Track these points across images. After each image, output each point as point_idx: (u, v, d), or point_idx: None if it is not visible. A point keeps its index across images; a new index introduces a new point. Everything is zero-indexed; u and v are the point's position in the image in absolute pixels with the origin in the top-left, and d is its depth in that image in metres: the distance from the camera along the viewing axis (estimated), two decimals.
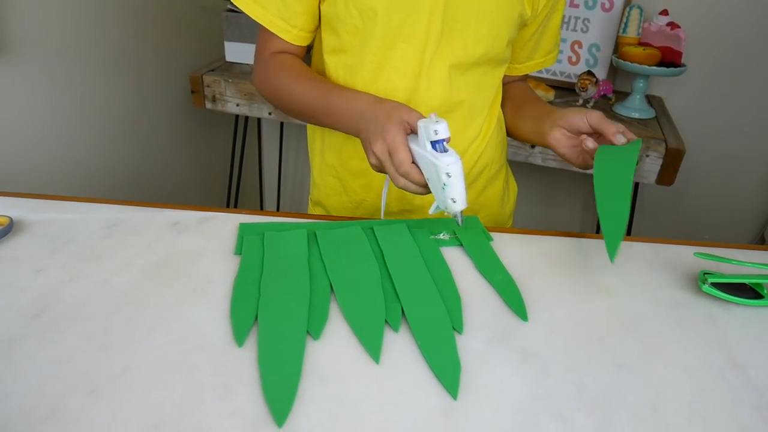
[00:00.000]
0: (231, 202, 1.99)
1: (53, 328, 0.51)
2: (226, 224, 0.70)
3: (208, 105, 1.61)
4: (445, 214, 0.63)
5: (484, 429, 0.43)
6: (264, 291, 0.57)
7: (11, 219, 0.66)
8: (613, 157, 0.66)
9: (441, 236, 0.69)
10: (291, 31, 0.76)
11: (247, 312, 0.54)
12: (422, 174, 0.61)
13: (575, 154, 0.73)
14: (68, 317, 0.53)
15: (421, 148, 0.60)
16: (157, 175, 1.70)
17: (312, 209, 0.95)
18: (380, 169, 0.65)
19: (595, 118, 0.70)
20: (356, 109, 0.69)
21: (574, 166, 0.73)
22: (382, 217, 0.78)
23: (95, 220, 0.69)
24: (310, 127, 0.90)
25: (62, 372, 0.46)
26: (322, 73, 0.81)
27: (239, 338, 0.51)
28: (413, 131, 0.62)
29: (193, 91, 1.60)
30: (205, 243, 0.66)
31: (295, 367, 0.48)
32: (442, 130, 0.58)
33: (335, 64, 0.78)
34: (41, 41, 1.22)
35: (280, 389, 0.46)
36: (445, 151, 0.59)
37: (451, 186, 0.59)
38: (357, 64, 0.75)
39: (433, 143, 0.59)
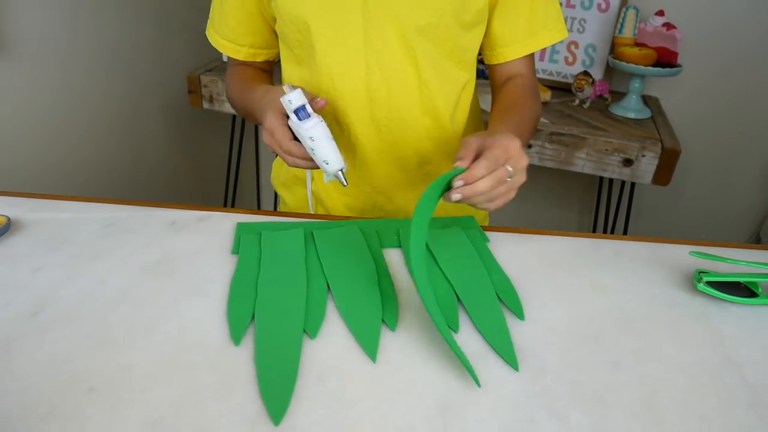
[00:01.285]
0: (228, 201, 1.99)
1: (51, 327, 0.51)
2: (223, 223, 0.70)
3: (206, 105, 1.61)
4: (327, 179, 0.66)
5: (480, 427, 0.43)
6: (261, 290, 0.57)
7: (9, 218, 0.66)
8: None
9: None
10: (241, 50, 0.82)
11: (244, 311, 0.54)
12: (303, 147, 0.64)
13: None
14: (66, 316, 0.53)
15: (292, 123, 0.62)
16: (154, 175, 1.70)
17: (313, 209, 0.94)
18: (273, 152, 0.68)
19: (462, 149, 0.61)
20: (255, 104, 0.73)
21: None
22: (311, 208, 0.81)
23: (93, 220, 0.69)
24: None
25: (60, 370, 0.47)
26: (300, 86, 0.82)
27: (236, 337, 0.51)
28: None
29: (190, 91, 1.60)
30: (202, 242, 0.66)
31: (292, 365, 0.48)
32: (295, 98, 0.61)
33: (295, 78, 0.79)
34: (39, 41, 1.22)
35: (276, 388, 0.46)
36: (308, 116, 0.61)
37: (318, 149, 0.62)
38: (308, 76, 0.76)
39: (296, 113, 0.61)
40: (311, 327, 0.53)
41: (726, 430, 0.45)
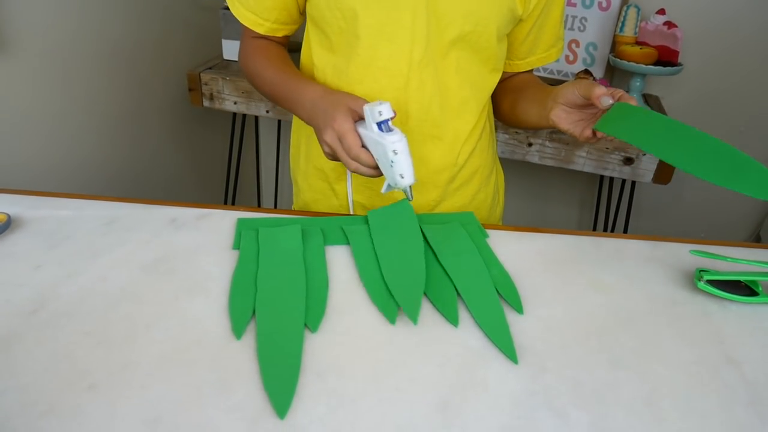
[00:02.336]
0: (228, 199, 1.99)
1: (51, 325, 0.51)
2: (223, 221, 0.70)
3: (206, 103, 1.61)
4: (396, 192, 0.66)
5: (480, 425, 0.44)
6: (261, 286, 0.57)
7: (9, 216, 0.66)
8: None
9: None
10: (264, 24, 0.80)
11: (245, 306, 0.55)
12: (372, 156, 0.64)
13: (579, 129, 0.72)
14: (66, 313, 0.53)
15: (369, 131, 0.63)
16: (154, 172, 1.70)
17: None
18: (333, 156, 0.68)
19: (582, 87, 0.68)
20: (308, 99, 0.72)
21: (580, 140, 0.73)
22: (351, 211, 0.80)
23: (93, 217, 0.69)
24: (294, 132, 0.91)
25: (61, 368, 0.47)
26: (311, 73, 0.82)
27: (237, 331, 0.51)
28: (361, 118, 0.65)
29: (190, 89, 1.60)
30: (202, 239, 0.66)
31: (295, 359, 0.48)
32: (386, 111, 0.61)
33: (324, 65, 0.78)
34: (39, 38, 1.22)
35: (280, 382, 0.46)
36: (391, 130, 0.62)
37: (399, 162, 0.62)
38: (343, 65, 0.75)
39: (379, 124, 0.62)
40: (312, 321, 0.53)
41: (726, 428, 0.45)
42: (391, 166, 0.62)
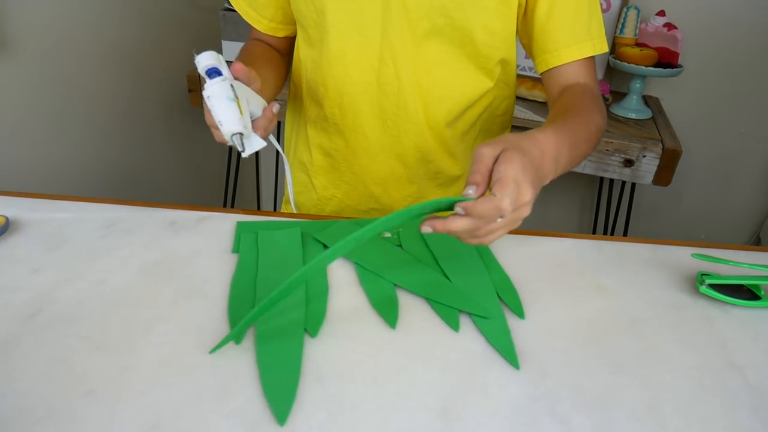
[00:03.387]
0: (228, 201, 1.99)
1: (50, 328, 0.51)
2: (223, 224, 0.69)
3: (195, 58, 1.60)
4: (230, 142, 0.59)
5: (481, 431, 0.43)
6: (260, 290, 0.57)
7: (7, 218, 0.65)
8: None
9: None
10: (262, 22, 0.81)
11: (245, 310, 0.54)
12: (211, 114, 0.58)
13: None
14: (65, 317, 0.52)
15: None
16: (154, 175, 1.69)
17: (284, 208, 0.93)
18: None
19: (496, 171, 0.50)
20: None
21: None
22: (293, 208, 0.80)
23: (92, 220, 0.68)
24: (287, 125, 0.91)
25: (59, 372, 0.46)
26: (299, 68, 0.81)
27: (237, 336, 0.51)
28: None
29: (190, 90, 1.59)
30: (202, 243, 0.65)
31: (295, 365, 0.48)
32: (203, 59, 0.57)
33: (306, 59, 0.78)
34: (40, 40, 1.22)
35: (280, 388, 0.46)
36: (219, 76, 0.57)
37: (213, 107, 0.56)
38: (319, 59, 0.75)
39: (208, 74, 0.57)
40: (312, 326, 0.53)
41: None
42: (211, 114, 0.57)
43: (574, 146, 0.60)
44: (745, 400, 0.48)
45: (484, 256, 0.65)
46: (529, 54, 0.76)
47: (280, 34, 0.82)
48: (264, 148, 0.62)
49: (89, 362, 0.47)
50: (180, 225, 0.69)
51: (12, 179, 1.20)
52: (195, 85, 1.58)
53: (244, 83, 0.61)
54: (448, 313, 0.56)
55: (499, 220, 0.50)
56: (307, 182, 0.87)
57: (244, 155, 0.59)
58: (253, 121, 0.63)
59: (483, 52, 0.72)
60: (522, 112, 1.45)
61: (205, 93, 0.57)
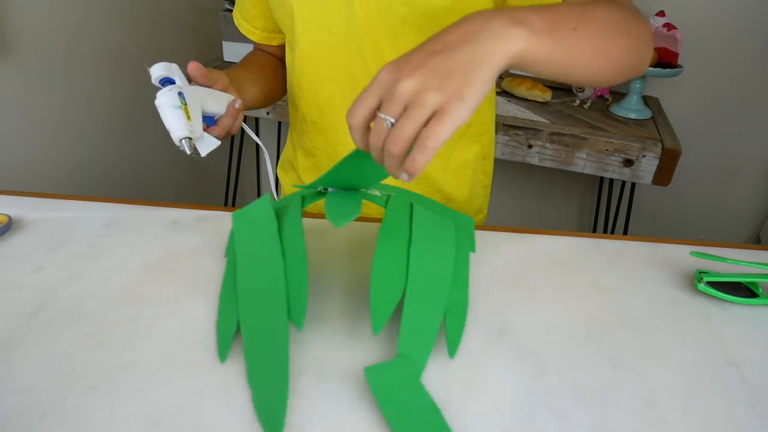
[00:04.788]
0: (229, 200, 1.99)
1: (52, 326, 0.51)
2: (224, 223, 0.70)
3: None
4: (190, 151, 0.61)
5: (480, 427, 0.43)
6: (242, 293, 0.53)
7: (10, 217, 0.66)
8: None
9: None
10: (255, 32, 0.84)
11: (230, 322, 0.52)
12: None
13: None
14: (67, 315, 0.53)
15: None
16: (154, 174, 1.70)
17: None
18: None
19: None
20: None
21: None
22: (273, 193, 0.77)
23: (93, 219, 0.69)
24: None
25: (60, 370, 0.47)
26: (288, 72, 0.82)
27: (222, 354, 0.49)
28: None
29: None
30: (203, 241, 0.66)
31: (282, 382, 0.45)
32: (154, 70, 0.61)
33: (289, 62, 0.79)
34: (40, 40, 1.22)
35: (270, 407, 0.44)
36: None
37: (162, 117, 0.59)
38: (294, 60, 0.76)
39: (161, 85, 0.61)
40: (296, 316, 0.48)
41: (726, 429, 0.45)
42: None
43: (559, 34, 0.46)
44: (742, 397, 0.48)
45: (459, 267, 0.58)
46: None
47: (275, 43, 0.85)
48: (267, 148, 0.63)
49: (91, 360, 0.48)
50: (181, 224, 0.69)
51: (14, 179, 1.21)
52: None
53: (202, 84, 0.65)
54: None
55: (388, 124, 0.42)
56: (297, 180, 0.89)
57: (188, 154, 0.61)
58: (216, 120, 0.67)
59: None
60: (522, 112, 1.46)
61: (155, 102, 0.60)
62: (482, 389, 0.47)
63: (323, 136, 0.81)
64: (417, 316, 0.49)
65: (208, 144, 0.64)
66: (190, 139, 0.60)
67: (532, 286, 0.61)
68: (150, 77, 0.62)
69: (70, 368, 0.47)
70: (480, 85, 0.41)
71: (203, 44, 1.77)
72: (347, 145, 0.79)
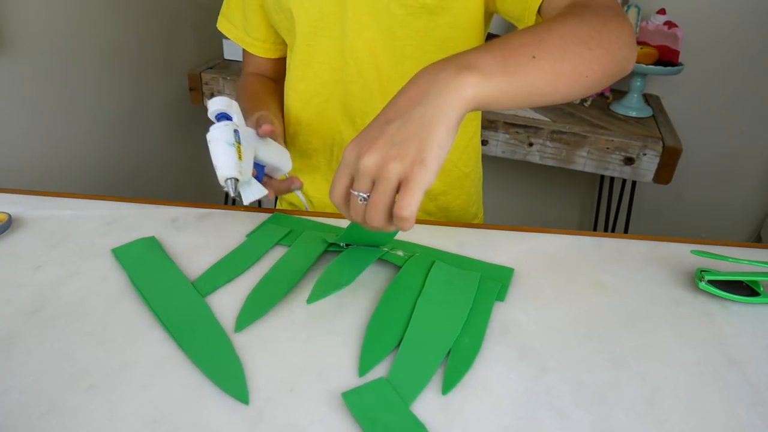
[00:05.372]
0: (229, 199, 1.99)
1: (52, 324, 0.51)
2: (224, 221, 0.70)
3: (207, 102, 1.61)
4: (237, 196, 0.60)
5: (481, 425, 0.43)
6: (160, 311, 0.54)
7: (10, 216, 0.66)
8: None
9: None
10: (255, 44, 0.83)
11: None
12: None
13: None
14: (67, 313, 0.53)
15: None
16: (155, 172, 1.70)
17: (280, 204, 0.93)
18: None
19: None
20: None
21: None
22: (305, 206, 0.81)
23: (94, 217, 0.69)
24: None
25: (61, 367, 0.47)
26: (289, 77, 0.82)
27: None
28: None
29: (191, 89, 1.60)
30: (203, 240, 0.66)
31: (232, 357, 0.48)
32: (213, 104, 0.59)
33: (289, 66, 0.80)
34: (40, 39, 1.22)
35: (228, 373, 0.46)
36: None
37: (211, 151, 0.58)
38: (293, 63, 0.77)
39: (218, 119, 0.59)
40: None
41: (727, 429, 0.45)
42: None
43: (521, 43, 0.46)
44: (743, 396, 0.48)
45: (477, 314, 0.55)
46: (513, 17, 0.65)
47: (274, 56, 0.85)
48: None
49: (91, 357, 0.48)
50: (181, 222, 0.69)
51: (14, 177, 1.20)
52: (196, 83, 1.58)
53: (271, 138, 0.65)
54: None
55: (361, 199, 0.44)
56: (306, 187, 0.89)
57: (232, 196, 0.58)
58: (266, 171, 0.67)
59: (451, 36, 0.69)
60: (522, 111, 1.46)
61: (207, 136, 0.58)
62: (483, 388, 0.47)
63: (320, 138, 0.81)
64: (412, 355, 0.49)
65: (254, 191, 0.62)
66: (237, 180, 0.57)
67: (532, 285, 0.61)
68: (208, 108, 0.60)
69: (70, 366, 0.47)
70: (438, 144, 0.41)
71: (204, 42, 1.77)
72: (344, 146, 0.79)
